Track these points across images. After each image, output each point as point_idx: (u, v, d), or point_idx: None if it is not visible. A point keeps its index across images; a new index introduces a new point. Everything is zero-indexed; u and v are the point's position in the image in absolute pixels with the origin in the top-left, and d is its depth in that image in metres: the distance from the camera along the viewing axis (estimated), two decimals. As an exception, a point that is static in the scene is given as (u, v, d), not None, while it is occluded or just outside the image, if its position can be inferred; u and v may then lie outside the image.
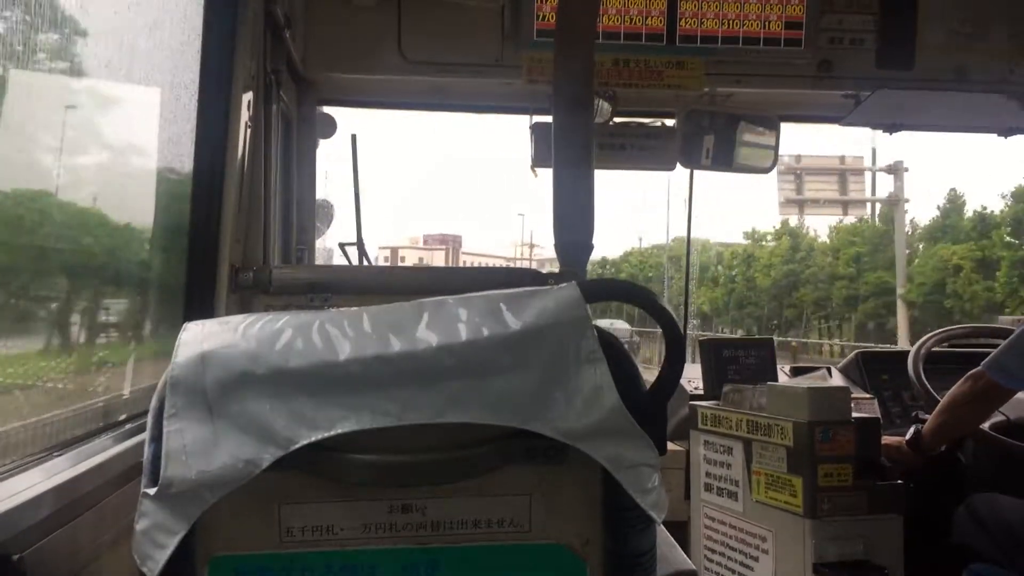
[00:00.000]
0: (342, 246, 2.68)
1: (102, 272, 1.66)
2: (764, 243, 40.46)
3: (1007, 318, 3.67)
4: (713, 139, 2.99)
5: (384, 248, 57.85)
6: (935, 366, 2.75)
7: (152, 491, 0.93)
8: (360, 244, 2.65)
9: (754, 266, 39.34)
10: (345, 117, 3.10)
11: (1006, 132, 3.19)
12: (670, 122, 2.99)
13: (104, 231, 1.65)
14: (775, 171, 3.33)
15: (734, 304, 39.54)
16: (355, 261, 2.63)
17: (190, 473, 0.92)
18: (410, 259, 55.93)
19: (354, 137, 2.69)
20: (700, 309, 39.58)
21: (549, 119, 2.61)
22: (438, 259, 55.55)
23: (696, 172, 3.10)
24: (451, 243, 58.34)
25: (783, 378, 2.96)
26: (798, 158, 21.60)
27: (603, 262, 47.36)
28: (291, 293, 1.83)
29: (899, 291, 24.69)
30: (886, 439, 2.31)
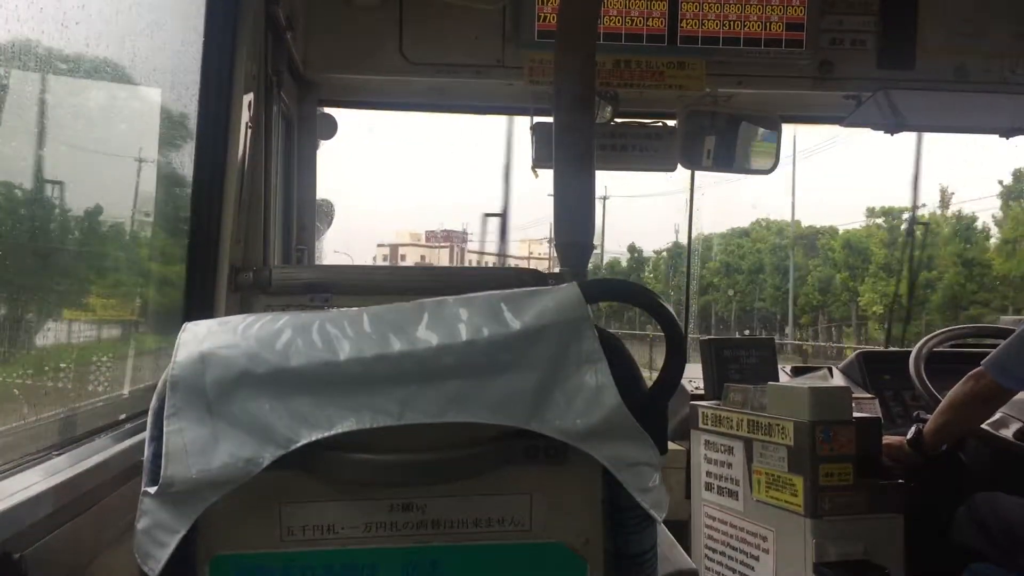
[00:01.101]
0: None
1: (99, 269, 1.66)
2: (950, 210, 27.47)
3: (1008, 318, 3.66)
4: (714, 140, 2.99)
5: (383, 246, 55.12)
6: (936, 366, 2.75)
7: (153, 490, 0.94)
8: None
9: (977, 241, 25.85)
10: (345, 116, 3.11)
11: (1007, 132, 3.18)
12: (671, 123, 2.98)
13: (104, 231, 1.66)
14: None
15: (941, 301, 26.23)
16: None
17: (190, 472, 0.93)
18: (411, 257, 53.41)
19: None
20: (865, 309, 29.20)
21: (550, 119, 2.61)
22: (441, 257, 52.80)
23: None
24: (455, 240, 54.50)
25: (784, 378, 2.96)
26: None
27: (676, 248, 36.29)
28: (291, 293, 1.83)
29: None
30: (887, 439, 2.31)
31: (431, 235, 59.21)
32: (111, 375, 1.65)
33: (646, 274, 37.91)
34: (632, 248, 39.94)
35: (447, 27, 2.76)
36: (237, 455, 0.93)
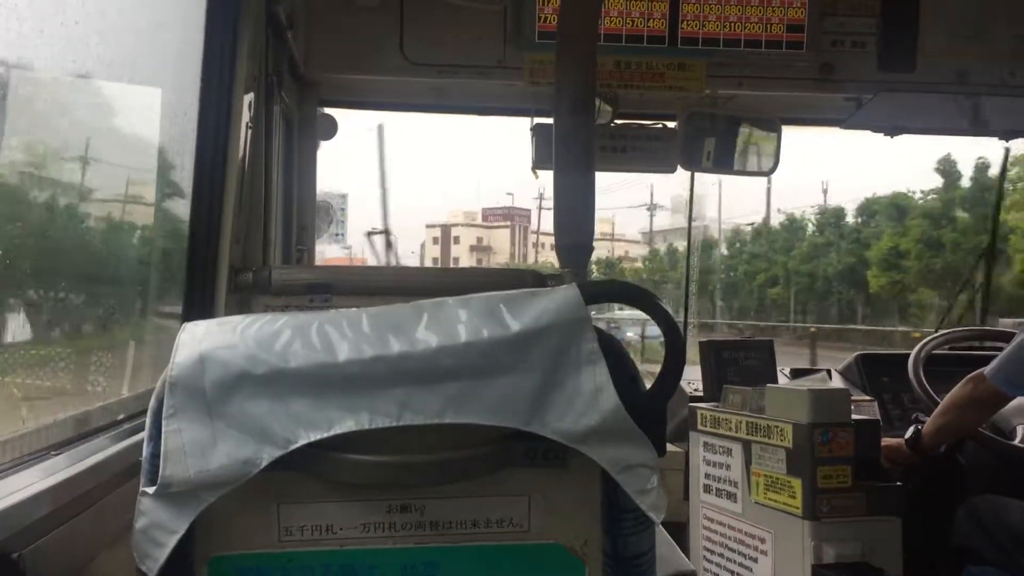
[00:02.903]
0: (369, 235, 2.68)
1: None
2: None
3: (1008, 320, 3.66)
4: (714, 141, 2.99)
5: (432, 227, 49.73)
6: (935, 368, 2.75)
7: (151, 490, 0.94)
8: (386, 233, 2.66)
9: None
10: (346, 118, 3.11)
11: (1008, 135, 3.19)
12: (671, 124, 2.99)
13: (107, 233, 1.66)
14: None
15: None
16: (381, 249, 2.64)
17: (189, 473, 0.93)
18: (466, 239, 48.86)
19: (380, 127, 2.71)
20: None
21: (550, 121, 2.61)
22: (500, 238, 47.80)
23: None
24: (518, 219, 47.98)
25: (783, 380, 2.96)
26: None
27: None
28: (291, 294, 1.83)
29: None
30: (885, 440, 2.31)
31: (488, 213, 52.36)
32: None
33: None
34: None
35: (448, 27, 2.76)
36: (235, 456, 0.93)
